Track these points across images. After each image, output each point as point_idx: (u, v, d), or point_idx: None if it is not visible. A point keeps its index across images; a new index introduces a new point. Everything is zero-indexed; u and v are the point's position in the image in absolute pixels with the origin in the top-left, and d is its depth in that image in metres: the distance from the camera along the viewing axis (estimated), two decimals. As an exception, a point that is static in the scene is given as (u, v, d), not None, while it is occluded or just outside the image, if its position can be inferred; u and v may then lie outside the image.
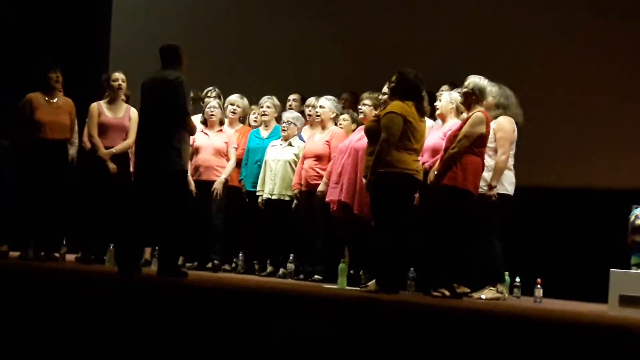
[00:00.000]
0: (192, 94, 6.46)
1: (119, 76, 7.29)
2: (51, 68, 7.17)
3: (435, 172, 5.93)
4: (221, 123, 7.71)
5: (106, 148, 7.09)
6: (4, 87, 8.81)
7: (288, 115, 7.49)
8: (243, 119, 8.02)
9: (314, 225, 7.00)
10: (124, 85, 7.23)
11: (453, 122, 6.24)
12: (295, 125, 7.43)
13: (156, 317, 4.43)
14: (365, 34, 8.64)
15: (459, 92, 6.13)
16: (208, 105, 7.62)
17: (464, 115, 6.11)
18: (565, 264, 7.00)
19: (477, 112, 5.84)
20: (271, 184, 7.34)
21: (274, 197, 7.31)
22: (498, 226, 6.07)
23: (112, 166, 7.04)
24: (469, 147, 5.76)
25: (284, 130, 7.39)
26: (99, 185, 7.03)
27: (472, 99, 5.93)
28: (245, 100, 7.98)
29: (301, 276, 6.99)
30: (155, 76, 5.98)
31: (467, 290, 5.87)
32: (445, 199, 5.76)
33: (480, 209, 5.88)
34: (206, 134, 7.58)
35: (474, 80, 5.97)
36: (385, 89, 6.37)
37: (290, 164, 7.31)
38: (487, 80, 6.02)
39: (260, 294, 5.01)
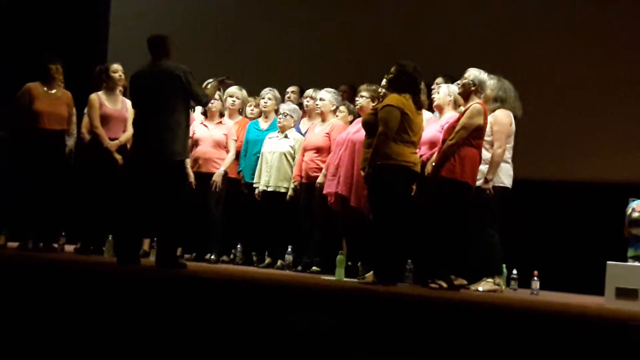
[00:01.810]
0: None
1: (118, 68, 7.32)
2: (52, 60, 7.18)
3: (433, 164, 5.94)
4: (221, 115, 7.73)
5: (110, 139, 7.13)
6: (2, 78, 8.81)
7: (285, 107, 7.51)
8: (242, 111, 8.03)
9: (313, 217, 7.02)
10: (123, 76, 7.25)
11: (450, 115, 6.25)
12: (292, 117, 7.44)
13: (155, 308, 4.44)
14: (364, 26, 8.64)
15: (458, 84, 6.14)
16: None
17: (462, 108, 6.12)
18: (562, 256, 7.02)
19: (475, 104, 5.85)
20: (267, 176, 7.36)
21: (269, 188, 7.33)
22: (496, 219, 6.08)
23: (118, 157, 7.06)
24: (466, 138, 5.77)
25: (280, 122, 7.41)
26: (98, 176, 7.04)
27: (471, 90, 5.94)
28: (244, 92, 7.99)
29: (299, 267, 7.01)
30: (153, 68, 5.97)
31: (465, 282, 5.88)
32: (443, 191, 5.77)
33: (477, 201, 5.90)
34: (205, 125, 7.60)
35: (474, 72, 5.98)
36: (384, 82, 6.37)
37: (285, 156, 7.33)
38: (486, 74, 6.04)
39: (259, 286, 5.02)
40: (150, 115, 5.90)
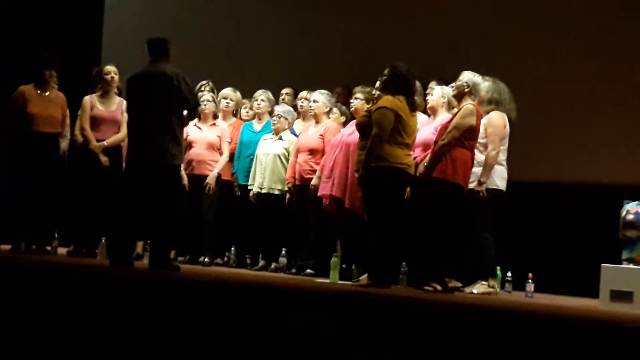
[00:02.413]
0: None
1: (111, 69, 7.29)
2: (47, 65, 7.16)
3: (425, 165, 5.93)
4: (215, 117, 7.71)
5: (98, 141, 7.08)
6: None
7: (279, 109, 7.50)
8: (236, 113, 8.02)
9: (306, 219, 7.00)
10: (116, 78, 7.24)
11: (444, 117, 6.24)
12: (286, 119, 7.42)
13: (148, 311, 4.43)
14: (359, 28, 8.62)
15: (452, 86, 6.13)
16: (201, 99, 7.61)
17: (455, 109, 6.11)
18: (557, 258, 7.01)
19: (468, 105, 5.84)
20: (261, 178, 7.34)
21: (263, 190, 7.32)
22: (490, 221, 6.08)
23: (104, 159, 7.03)
24: (459, 139, 5.76)
25: (275, 124, 7.39)
26: (91, 178, 7.02)
27: (465, 92, 5.93)
28: (238, 94, 7.99)
29: (293, 270, 6.99)
30: (150, 70, 5.96)
31: (459, 284, 5.87)
32: (434, 192, 5.76)
33: (471, 204, 5.89)
34: (199, 127, 7.58)
35: (468, 75, 5.98)
36: (378, 84, 6.36)
37: (280, 158, 7.32)
38: (480, 77, 6.03)
39: (252, 288, 5.01)
40: (148, 117, 5.88)
